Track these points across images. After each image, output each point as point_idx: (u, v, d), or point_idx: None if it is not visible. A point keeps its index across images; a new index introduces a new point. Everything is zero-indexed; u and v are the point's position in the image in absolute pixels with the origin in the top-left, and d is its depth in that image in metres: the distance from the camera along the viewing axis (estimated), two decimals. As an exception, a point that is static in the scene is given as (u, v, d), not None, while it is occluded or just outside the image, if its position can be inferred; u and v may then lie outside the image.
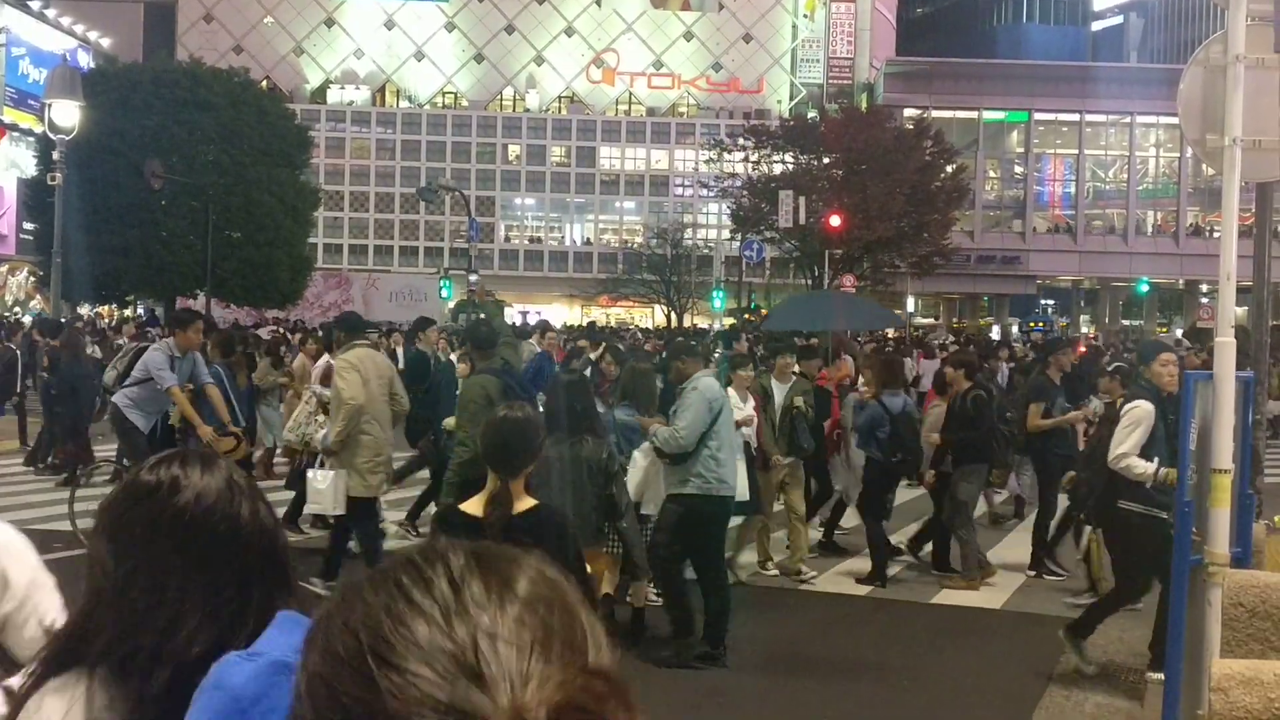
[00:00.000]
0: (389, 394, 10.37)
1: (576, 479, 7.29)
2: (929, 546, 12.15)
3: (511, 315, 60.68)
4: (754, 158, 57.17)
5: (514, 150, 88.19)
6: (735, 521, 10.05)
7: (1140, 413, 8.05)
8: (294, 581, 2.02)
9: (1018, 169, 77.66)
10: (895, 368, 12.69)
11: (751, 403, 10.99)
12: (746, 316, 53.50)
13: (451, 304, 52.01)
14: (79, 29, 67.89)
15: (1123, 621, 9.39)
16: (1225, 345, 6.06)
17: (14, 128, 56.07)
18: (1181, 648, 6.10)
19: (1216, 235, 6.34)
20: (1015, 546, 12.84)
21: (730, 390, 10.13)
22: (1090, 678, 8.41)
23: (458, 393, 10.79)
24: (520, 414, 4.94)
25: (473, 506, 4.77)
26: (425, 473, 13.30)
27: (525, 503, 4.74)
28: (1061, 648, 8.73)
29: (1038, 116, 75.42)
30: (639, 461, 9.20)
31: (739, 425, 9.98)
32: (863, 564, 11.69)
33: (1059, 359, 13.08)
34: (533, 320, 60.66)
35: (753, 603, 10.13)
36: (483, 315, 11.74)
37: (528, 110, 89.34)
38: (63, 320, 26.82)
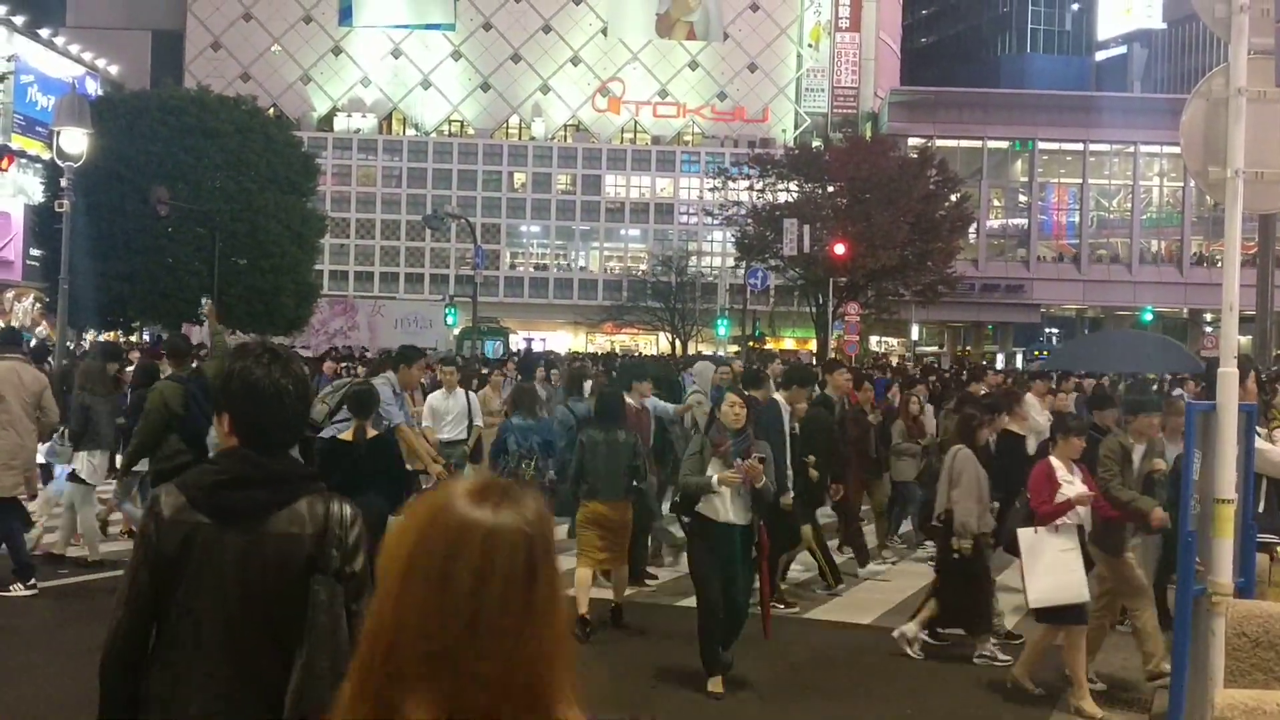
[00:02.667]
0: (37, 407, 11.13)
1: (613, 453, 10.28)
2: None
3: (516, 342, 60.74)
4: (759, 186, 57.33)
5: (519, 178, 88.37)
6: None
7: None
8: None
9: (1022, 198, 77.81)
10: None
11: (1079, 475, 8.86)
12: (751, 344, 53.54)
13: (456, 330, 52.05)
14: (87, 56, 68.17)
15: (1131, 643, 9.40)
16: (1228, 376, 6.08)
17: (22, 154, 56.20)
18: (1185, 678, 6.11)
19: (1220, 261, 6.38)
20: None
21: (1054, 460, 8.79)
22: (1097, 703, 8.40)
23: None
24: (364, 386, 9.84)
25: (345, 436, 8.93)
26: None
27: (372, 434, 9.01)
28: (1064, 671, 8.73)
29: (1042, 146, 75.63)
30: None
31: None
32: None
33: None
34: (537, 348, 60.80)
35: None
36: (215, 334, 12.30)
37: (533, 138, 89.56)
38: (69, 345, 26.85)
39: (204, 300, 17.42)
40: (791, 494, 10.92)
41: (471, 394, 15.14)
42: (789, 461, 11.02)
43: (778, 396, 11.56)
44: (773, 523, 9.47)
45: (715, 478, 8.16)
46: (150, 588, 3.26)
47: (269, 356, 3.42)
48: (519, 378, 20.76)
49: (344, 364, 23.25)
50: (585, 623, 9.81)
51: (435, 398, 14.49)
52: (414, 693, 1.57)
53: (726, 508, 8.35)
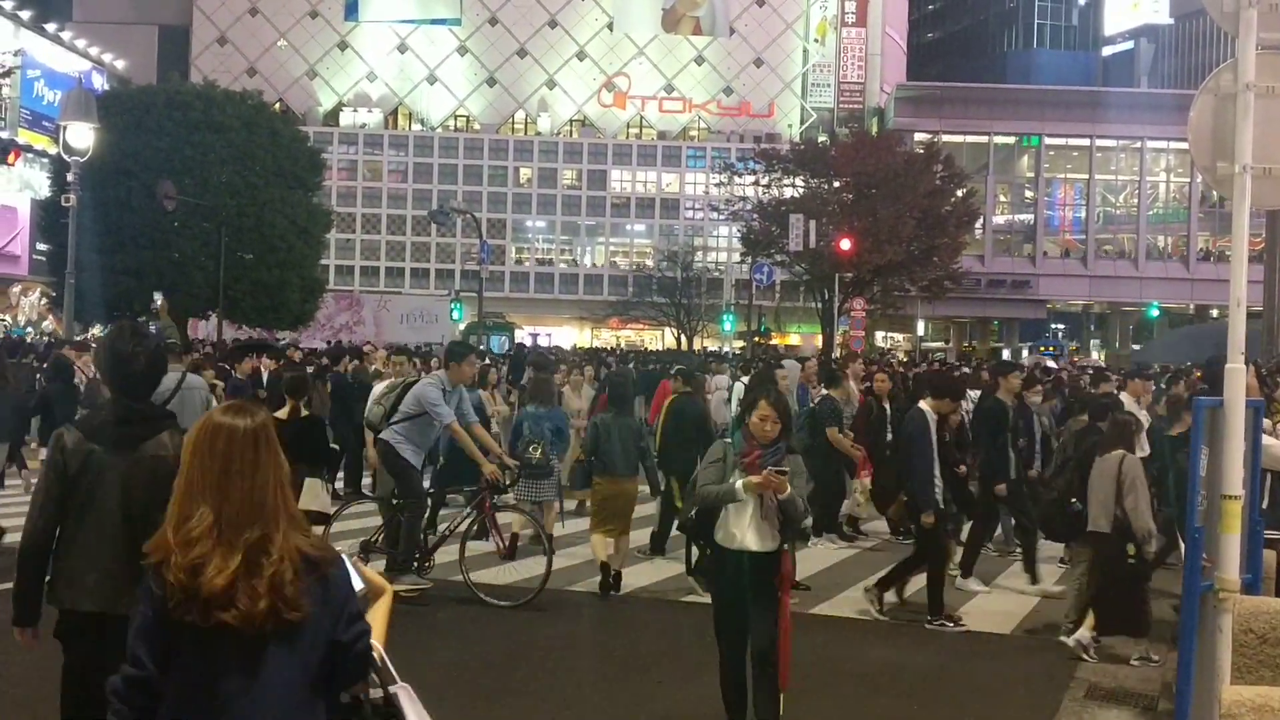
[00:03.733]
0: None
1: (625, 435, 11.60)
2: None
3: (522, 336, 60.74)
4: (764, 181, 57.31)
5: (525, 173, 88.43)
6: None
7: None
8: None
9: (1028, 193, 77.77)
10: None
11: None
12: (756, 339, 53.54)
13: (462, 325, 52.07)
14: (94, 51, 68.26)
15: (1132, 651, 9.41)
16: (1235, 371, 6.07)
17: (28, 149, 56.33)
18: (1192, 674, 6.10)
19: (1227, 256, 6.36)
20: (1018, 575, 12.82)
21: None
22: (1104, 700, 8.39)
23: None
24: (299, 373, 12.25)
25: (280, 415, 10.15)
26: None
27: (302, 414, 10.71)
28: (1072, 671, 8.73)
29: (1048, 141, 75.58)
30: None
31: None
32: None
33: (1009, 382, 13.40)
34: (544, 343, 60.77)
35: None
36: (167, 329, 13.11)
37: (539, 133, 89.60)
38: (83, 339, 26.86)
39: (156, 296, 17.94)
40: (938, 509, 10.53)
41: (480, 391, 15.18)
42: (938, 473, 10.60)
43: (924, 405, 10.96)
44: (923, 541, 10.62)
45: (740, 482, 6.89)
46: (59, 497, 4.82)
47: (130, 334, 5.18)
48: (510, 377, 20.95)
49: (282, 361, 22.72)
50: (607, 569, 11.35)
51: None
52: (200, 504, 3.26)
53: (744, 531, 7.02)
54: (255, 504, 3.26)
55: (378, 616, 3.67)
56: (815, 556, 13.41)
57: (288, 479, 3.38)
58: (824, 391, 15.19)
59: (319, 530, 9.26)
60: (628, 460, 11.59)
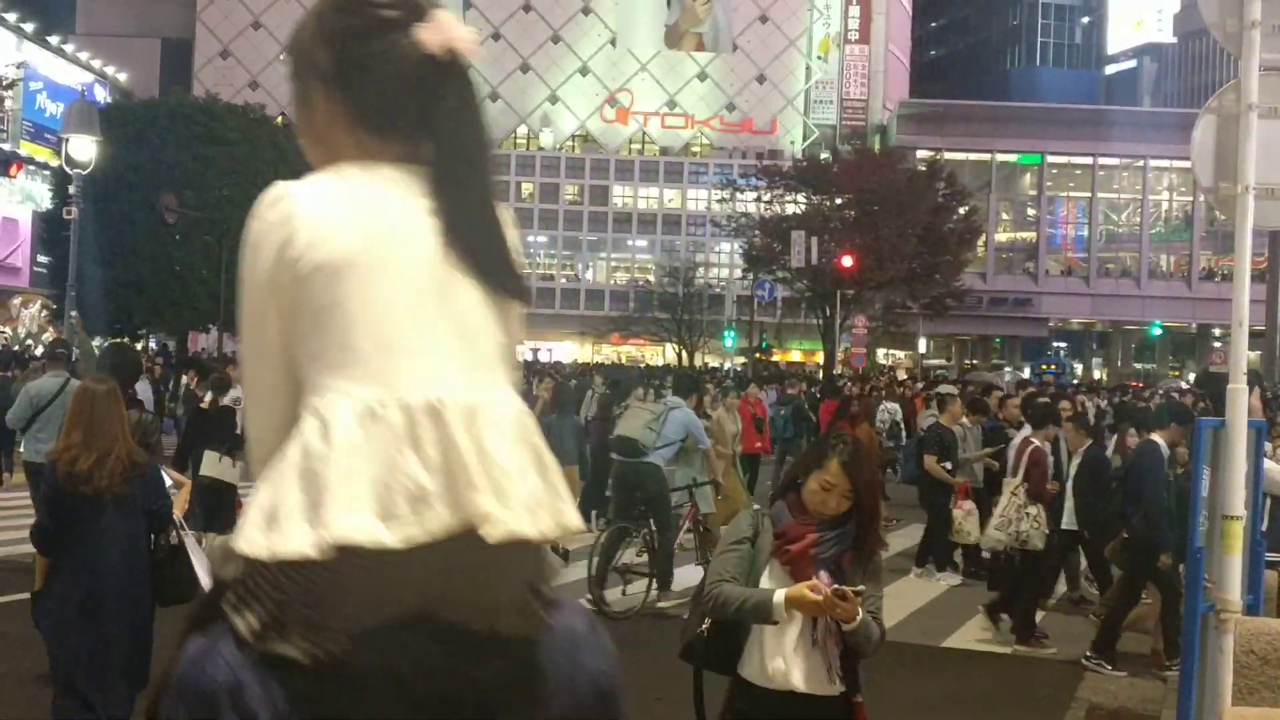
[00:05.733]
0: None
1: (569, 433, 14.35)
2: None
3: (523, 351, 60.60)
4: (766, 198, 57.32)
5: (527, 188, 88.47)
6: None
7: None
8: None
9: (1030, 211, 77.78)
10: None
11: None
12: (758, 355, 53.54)
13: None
14: (96, 64, 68.35)
15: (1134, 668, 9.38)
16: (1237, 392, 6.05)
17: (30, 161, 56.37)
18: (1193, 695, 6.08)
19: (1230, 276, 6.34)
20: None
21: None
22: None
23: None
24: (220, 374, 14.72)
25: (204, 405, 13.33)
26: None
27: (222, 403, 12.86)
28: (1073, 691, 8.70)
29: (1051, 159, 75.60)
30: None
31: None
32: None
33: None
34: (544, 358, 60.73)
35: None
36: (82, 342, 15.02)
37: (541, 148, 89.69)
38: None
39: (72, 313, 19.20)
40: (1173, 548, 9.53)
41: None
42: (1168, 511, 9.72)
43: (1157, 438, 10.22)
44: (1158, 581, 9.81)
45: (780, 595, 4.25)
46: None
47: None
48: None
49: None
50: (555, 545, 11.49)
51: None
52: (76, 428, 6.06)
53: (788, 662, 4.37)
54: (105, 430, 6.01)
55: (180, 499, 7.03)
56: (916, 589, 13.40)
57: (125, 417, 6.24)
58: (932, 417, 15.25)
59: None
60: (571, 453, 13.96)
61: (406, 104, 1.88)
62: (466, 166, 1.87)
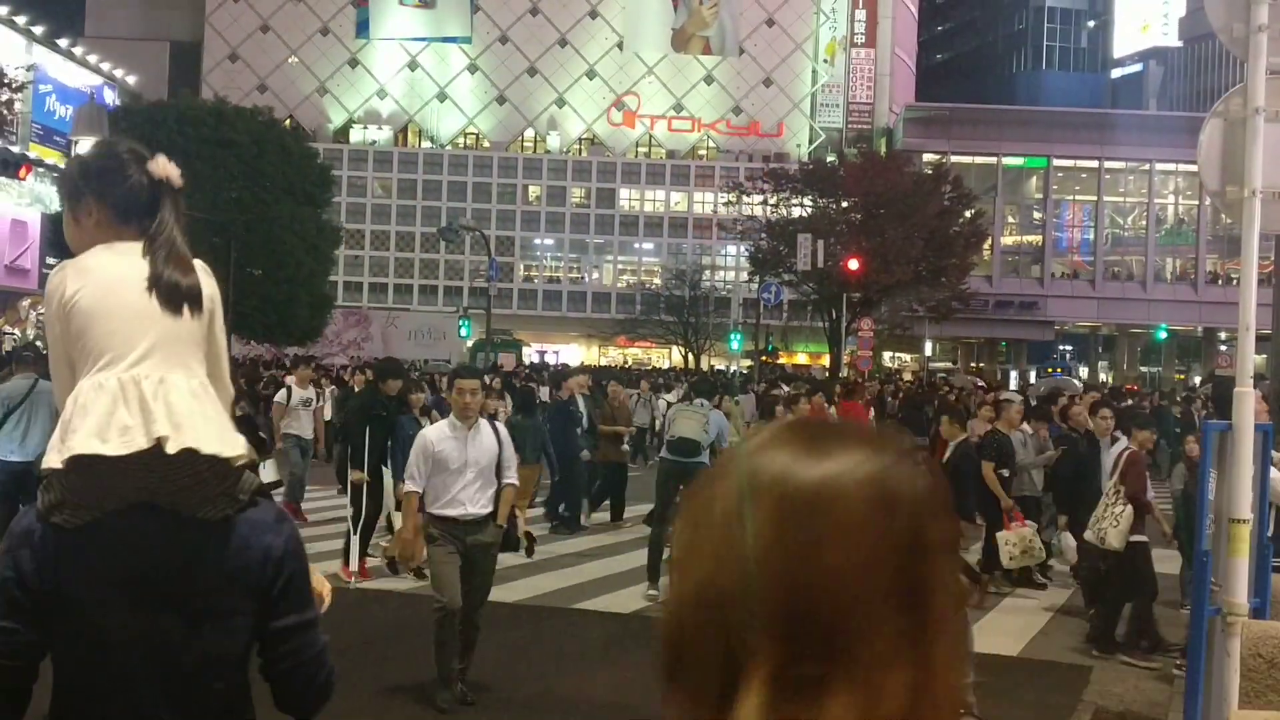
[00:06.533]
0: None
1: (529, 433, 15.33)
2: None
3: (529, 354, 60.73)
4: (773, 201, 57.34)
5: (534, 191, 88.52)
6: None
7: None
8: None
9: (1036, 215, 77.74)
10: None
11: None
12: (764, 358, 53.54)
13: (470, 343, 52.11)
14: (105, 67, 68.36)
15: (1139, 672, 9.39)
16: (1244, 395, 6.07)
17: (40, 163, 56.32)
18: (1200, 698, 6.09)
19: (1236, 279, 6.35)
20: (1025, 595, 12.78)
21: None
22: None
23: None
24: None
25: None
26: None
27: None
28: (1079, 694, 8.70)
29: (1057, 162, 75.56)
30: None
31: None
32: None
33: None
34: (551, 360, 60.76)
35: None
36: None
37: (548, 152, 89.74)
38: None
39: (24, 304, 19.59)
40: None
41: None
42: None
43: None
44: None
45: None
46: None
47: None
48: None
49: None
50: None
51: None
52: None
53: None
54: None
55: None
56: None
57: None
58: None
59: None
60: (533, 451, 15.43)
61: (141, 207, 3.02)
62: (168, 241, 2.94)
